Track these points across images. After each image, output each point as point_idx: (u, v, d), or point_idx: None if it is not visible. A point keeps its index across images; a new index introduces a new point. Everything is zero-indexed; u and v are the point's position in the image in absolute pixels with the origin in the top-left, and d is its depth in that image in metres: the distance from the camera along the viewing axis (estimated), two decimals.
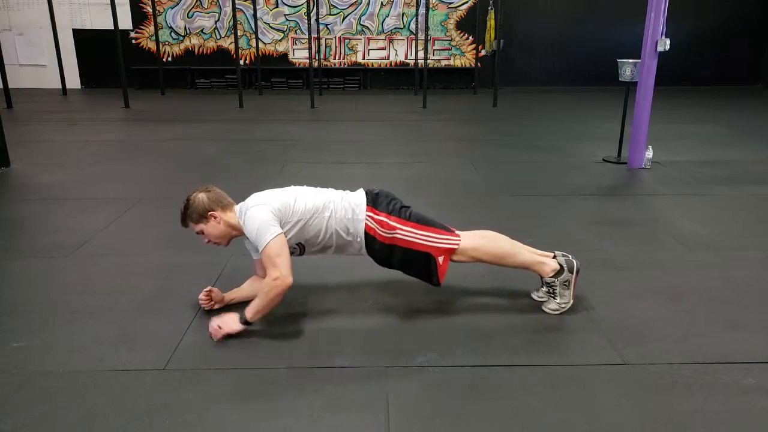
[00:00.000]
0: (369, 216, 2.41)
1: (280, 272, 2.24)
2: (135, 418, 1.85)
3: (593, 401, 1.94)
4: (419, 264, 2.46)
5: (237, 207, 2.48)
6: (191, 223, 2.45)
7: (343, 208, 2.43)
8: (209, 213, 2.42)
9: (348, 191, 2.55)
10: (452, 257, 2.47)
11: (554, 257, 2.53)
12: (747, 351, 2.23)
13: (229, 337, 2.28)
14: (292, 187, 2.55)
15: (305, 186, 2.58)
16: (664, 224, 3.69)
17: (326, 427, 1.82)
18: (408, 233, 2.41)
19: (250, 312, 2.28)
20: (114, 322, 2.44)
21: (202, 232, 2.46)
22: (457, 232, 2.51)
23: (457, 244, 2.44)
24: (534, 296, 2.63)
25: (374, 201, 2.46)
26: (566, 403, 1.92)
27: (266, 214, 2.31)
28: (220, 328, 2.27)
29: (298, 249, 2.49)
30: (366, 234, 2.42)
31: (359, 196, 2.48)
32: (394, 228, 2.40)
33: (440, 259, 2.44)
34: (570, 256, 2.54)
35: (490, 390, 2.00)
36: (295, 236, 2.42)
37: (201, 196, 2.44)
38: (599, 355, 2.21)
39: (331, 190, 2.55)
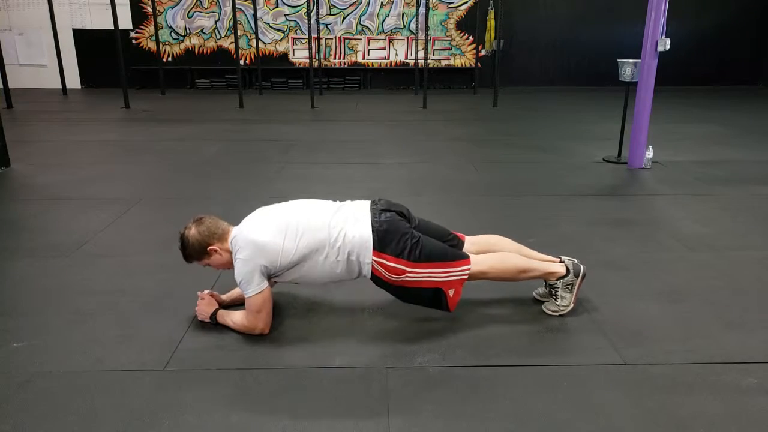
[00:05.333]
0: (375, 260, 2.28)
1: (258, 326, 2.30)
2: (135, 418, 1.85)
3: (593, 401, 1.93)
4: (428, 299, 2.40)
5: (232, 232, 2.39)
6: (195, 261, 2.43)
7: (345, 251, 2.28)
8: (208, 249, 2.36)
9: (349, 218, 2.34)
10: None
11: (560, 261, 2.53)
12: (747, 351, 2.23)
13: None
14: (284, 214, 2.37)
15: (301, 208, 2.41)
16: (665, 224, 3.69)
17: (326, 427, 1.81)
18: (417, 275, 2.29)
19: (221, 319, 2.38)
20: (114, 322, 2.44)
21: (208, 265, 2.44)
22: (467, 245, 2.47)
23: (467, 274, 2.37)
24: (535, 296, 2.63)
25: (381, 241, 2.27)
26: (566, 403, 1.92)
27: (253, 269, 2.24)
28: (198, 307, 2.45)
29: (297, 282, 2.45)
30: (372, 274, 2.33)
31: (364, 233, 2.28)
32: (404, 272, 2.28)
33: (451, 292, 2.36)
34: (576, 260, 2.53)
35: (490, 390, 2.00)
36: (289, 277, 2.37)
37: (193, 233, 2.35)
38: (600, 355, 2.21)
39: (330, 220, 2.33)
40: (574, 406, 1.91)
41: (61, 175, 4.81)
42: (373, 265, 2.30)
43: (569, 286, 2.47)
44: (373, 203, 2.43)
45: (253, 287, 2.25)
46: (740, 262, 3.07)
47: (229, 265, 2.39)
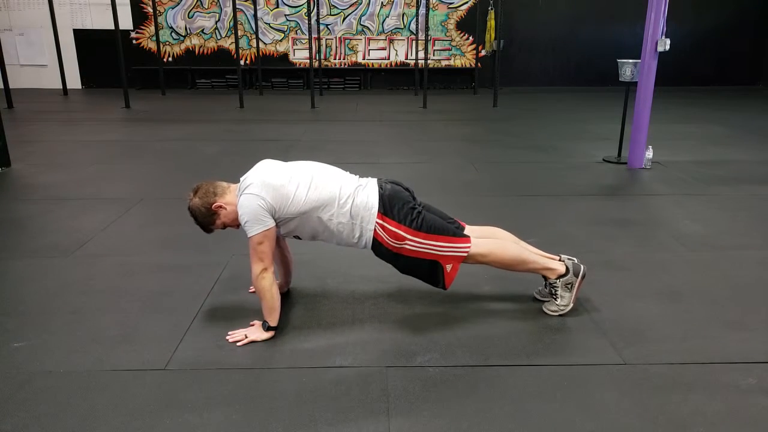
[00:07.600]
0: (379, 223, 2.31)
1: (264, 263, 2.26)
2: (135, 418, 1.85)
3: (593, 401, 1.94)
4: (425, 271, 2.40)
5: (236, 187, 2.41)
6: (211, 227, 2.43)
7: (350, 214, 2.32)
8: (213, 207, 2.37)
9: (360, 184, 2.40)
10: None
11: (560, 260, 2.52)
12: (747, 351, 2.23)
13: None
14: (298, 167, 2.43)
15: (315, 165, 2.47)
16: (664, 224, 3.69)
17: (326, 427, 1.82)
18: (417, 244, 2.32)
19: (267, 318, 2.32)
20: (114, 322, 2.44)
21: (225, 226, 2.43)
22: (467, 232, 2.45)
23: (467, 253, 2.38)
24: (536, 295, 2.63)
25: (385, 206, 2.32)
26: (566, 403, 1.92)
27: (257, 207, 2.24)
28: (246, 336, 2.29)
29: (295, 238, 2.47)
30: (373, 240, 2.35)
31: (371, 200, 2.33)
32: (404, 239, 2.31)
33: (448, 267, 2.38)
34: (576, 259, 2.53)
35: (490, 390, 2.00)
36: (290, 231, 2.39)
37: (195, 201, 2.39)
38: (599, 355, 2.21)
39: (341, 181, 2.39)
40: (573, 406, 1.91)
41: (62, 175, 4.81)
42: (375, 230, 2.32)
43: (569, 286, 2.47)
44: (379, 179, 2.48)
45: (258, 226, 2.24)
46: (740, 262, 3.07)
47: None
